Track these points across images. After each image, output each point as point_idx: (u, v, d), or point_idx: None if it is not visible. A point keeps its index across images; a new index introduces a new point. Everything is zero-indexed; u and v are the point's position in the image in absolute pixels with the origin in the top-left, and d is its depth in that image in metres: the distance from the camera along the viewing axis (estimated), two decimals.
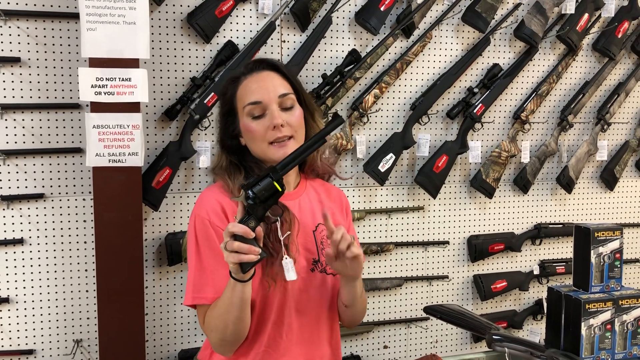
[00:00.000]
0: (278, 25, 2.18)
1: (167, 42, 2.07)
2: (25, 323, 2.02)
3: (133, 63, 1.83)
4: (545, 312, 1.42)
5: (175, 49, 2.08)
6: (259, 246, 1.13)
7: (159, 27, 2.06)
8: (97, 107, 1.82)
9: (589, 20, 2.56)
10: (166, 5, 2.05)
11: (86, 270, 2.05)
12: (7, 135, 1.94)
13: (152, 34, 2.05)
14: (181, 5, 2.07)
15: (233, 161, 1.37)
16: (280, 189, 1.16)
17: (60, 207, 2.02)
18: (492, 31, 2.44)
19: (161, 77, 2.08)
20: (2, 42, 1.91)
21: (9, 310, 2.00)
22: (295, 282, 1.32)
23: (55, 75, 1.97)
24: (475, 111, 2.44)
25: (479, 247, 2.56)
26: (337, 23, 2.26)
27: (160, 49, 2.07)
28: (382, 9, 2.23)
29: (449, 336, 2.58)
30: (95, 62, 1.81)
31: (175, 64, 2.09)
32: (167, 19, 2.06)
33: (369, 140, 2.37)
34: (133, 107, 1.85)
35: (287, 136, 1.32)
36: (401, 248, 2.47)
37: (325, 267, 1.38)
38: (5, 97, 1.93)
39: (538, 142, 2.64)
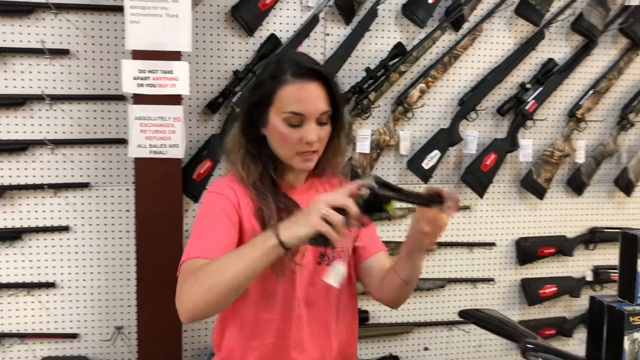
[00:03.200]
0: (322, 18, 2.15)
1: (211, 35, 2.08)
2: (70, 308, 2.08)
3: (175, 56, 1.84)
4: (587, 322, 1.34)
5: (218, 42, 2.09)
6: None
7: (203, 20, 2.07)
8: (139, 99, 1.85)
9: None
10: None
11: (128, 259, 2.09)
12: (55, 125, 2.00)
13: (197, 27, 2.06)
14: None
15: (250, 151, 1.33)
16: (388, 210, 1.11)
17: (105, 197, 2.07)
18: (548, 24, 2.32)
19: (204, 71, 2.09)
20: (52, 35, 1.96)
21: (54, 294, 2.07)
22: (303, 274, 1.32)
23: (102, 67, 2.01)
24: (527, 108, 2.33)
25: (527, 250, 2.46)
26: (382, 16, 2.21)
27: (204, 42, 2.08)
28: (430, 1, 2.16)
29: (492, 341, 2.50)
30: (138, 55, 1.83)
31: (219, 57, 2.09)
32: (211, 12, 2.07)
33: (413, 137, 2.31)
34: (174, 99, 1.86)
35: (314, 151, 1.30)
36: (445, 248, 2.40)
37: (332, 261, 1.36)
38: (54, 88, 1.98)
39: (595, 142, 2.50)
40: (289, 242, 1.08)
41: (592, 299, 1.29)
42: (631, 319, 1.20)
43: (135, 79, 1.84)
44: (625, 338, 1.20)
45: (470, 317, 1.49)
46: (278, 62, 1.29)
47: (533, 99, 2.34)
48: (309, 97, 1.26)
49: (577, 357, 1.21)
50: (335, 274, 1.16)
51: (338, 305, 1.41)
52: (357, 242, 1.46)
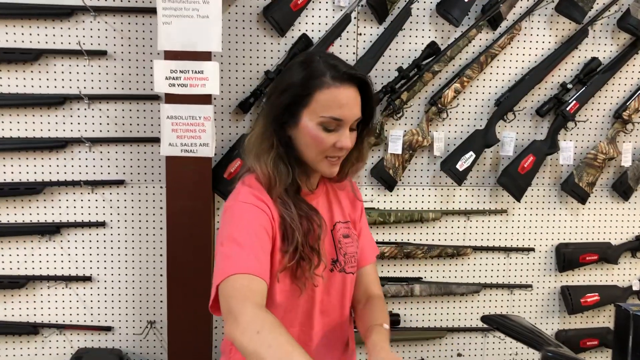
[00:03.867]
0: (354, 18, 2.14)
1: (243, 35, 2.10)
2: (105, 301, 2.15)
3: (206, 56, 1.87)
4: (614, 333, 1.27)
5: (250, 43, 2.11)
6: None
7: (235, 21, 2.09)
8: (170, 98, 1.88)
9: None
10: None
11: (161, 255, 2.14)
12: (93, 124, 2.07)
13: (229, 28, 2.09)
14: (257, 0, 2.10)
15: (281, 153, 1.26)
16: None
17: (139, 194, 2.12)
18: (591, 22, 2.23)
19: (236, 71, 2.11)
20: (91, 37, 2.03)
21: (91, 288, 2.13)
22: (320, 284, 1.29)
23: (137, 67, 2.07)
24: (568, 109, 2.24)
25: (568, 257, 2.36)
26: (416, 14, 2.17)
27: (237, 42, 2.10)
28: None
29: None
30: (169, 55, 1.86)
31: (251, 57, 2.11)
32: (243, 13, 2.09)
33: (447, 137, 2.26)
34: (205, 99, 1.89)
35: (340, 156, 1.28)
36: (480, 253, 2.34)
37: (345, 267, 1.34)
38: (92, 88, 2.05)
39: None
40: None
41: (618, 308, 1.23)
42: None
43: (167, 78, 1.87)
44: None
45: (493, 322, 1.45)
46: (311, 63, 1.24)
47: (574, 99, 2.25)
48: (348, 102, 1.22)
49: None
50: None
51: (349, 314, 1.40)
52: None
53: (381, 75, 2.18)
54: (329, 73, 1.22)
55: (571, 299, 2.36)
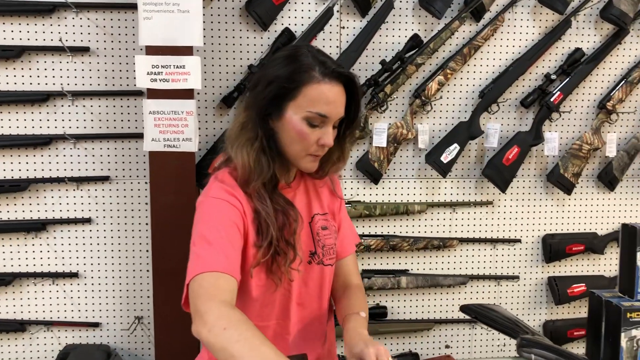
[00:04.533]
0: (337, 12, 2.14)
1: (226, 30, 2.10)
2: (92, 297, 2.15)
3: (187, 51, 1.87)
4: (587, 319, 1.28)
5: (233, 37, 2.11)
6: None
7: (218, 15, 2.09)
8: (152, 93, 1.88)
9: None
10: None
11: (147, 250, 2.14)
12: (77, 120, 2.07)
13: (211, 22, 2.09)
14: None
15: (264, 145, 1.23)
16: None
17: (124, 190, 2.12)
18: (574, 13, 2.23)
19: (219, 65, 2.12)
20: (74, 33, 2.03)
21: (78, 284, 2.14)
22: (296, 277, 1.29)
23: (120, 63, 2.07)
24: (552, 99, 2.25)
25: (554, 247, 2.37)
26: (399, 7, 2.18)
27: (220, 37, 2.10)
28: None
29: None
30: (151, 50, 1.86)
31: (234, 52, 2.12)
32: (225, 8, 2.09)
33: (432, 130, 2.26)
34: (187, 93, 1.89)
35: (322, 154, 1.28)
36: (466, 244, 2.34)
37: (323, 259, 1.34)
38: (76, 84, 2.05)
39: (627, 135, 2.39)
40: None
41: (592, 294, 1.23)
42: (629, 315, 1.14)
43: (148, 74, 1.87)
44: (623, 335, 1.14)
45: (471, 311, 1.45)
46: (300, 56, 1.22)
47: (559, 90, 2.25)
48: (335, 100, 1.22)
49: (572, 354, 1.16)
50: None
51: (329, 307, 1.40)
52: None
53: (365, 68, 2.18)
54: (318, 68, 1.20)
55: (558, 290, 2.37)
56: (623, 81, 2.31)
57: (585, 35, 2.30)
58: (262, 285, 1.26)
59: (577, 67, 2.26)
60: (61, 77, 2.04)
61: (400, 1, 2.18)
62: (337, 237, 1.40)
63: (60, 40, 2.00)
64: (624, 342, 1.14)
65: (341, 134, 1.31)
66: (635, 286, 1.18)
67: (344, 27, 2.16)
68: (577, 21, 2.28)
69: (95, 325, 2.16)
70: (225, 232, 1.17)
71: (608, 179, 2.37)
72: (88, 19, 2.03)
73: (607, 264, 2.44)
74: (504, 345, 2.42)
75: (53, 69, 2.03)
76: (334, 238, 1.38)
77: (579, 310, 2.45)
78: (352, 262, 1.47)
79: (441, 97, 2.24)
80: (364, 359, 1.11)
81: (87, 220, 2.11)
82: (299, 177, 1.38)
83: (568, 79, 2.26)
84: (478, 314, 1.42)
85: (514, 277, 2.39)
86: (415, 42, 2.14)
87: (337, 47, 2.16)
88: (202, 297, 1.08)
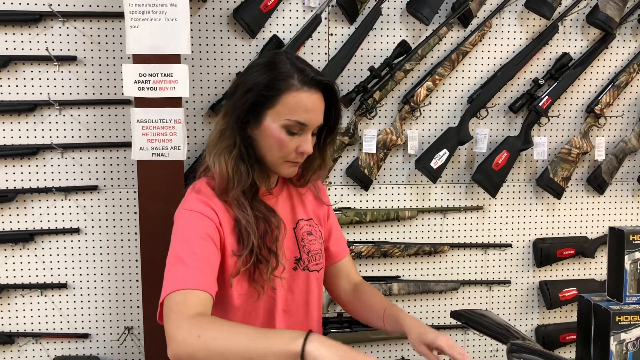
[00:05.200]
0: (325, 19, 2.14)
1: (214, 38, 2.10)
2: (82, 308, 2.13)
3: (174, 59, 1.86)
4: (577, 323, 1.28)
5: (221, 45, 2.11)
6: None
7: (205, 23, 2.09)
8: (140, 102, 1.87)
9: None
10: (212, 1, 2.08)
11: (137, 260, 2.13)
12: (65, 130, 2.06)
13: (199, 30, 2.09)
14: (227, 1, 2.09)
15: (242, 153, 1.23)
16: None
17: (113, 199, 2.11)
18: (561, 18, 2.24)
19: (208, 73, 2.11)
20: (60, 42, 2.02)
21: (67, 295, 2.12)
22: (281, 284, 1.28)
23: (107, 72, 2.06)
24: (540, 104, 2.26)
25: (545, 252, 2.37)
26: (387, 14, 2.18)
27: (207, 44, 2.10)
28: None
29: None
30: (138, 59, 1.85)
31: (222, 59, 2.11)
32: (213, 15, 2.09)
33: (422, 136, 2.26)
34: (175, 102, 1.88)
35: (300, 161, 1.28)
36: (457, 250, 2.34)
37: (308, 265, 1.34)
38: (63, 94, 2.04)
39: (616, 139, 2.40)
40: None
41: (581, 298, 1.23)
42: (617, 318, 1.14)
43: (136, 82, 1.86)
44: (612, 339, 1.14)
45: (462, 317, 1.45)
46: (278, 63, 1.22)
47: (547, 95, 2.26)
48: (314, 108, 1.22)
49: (561, 358, 1.16)
50: None
51: (318, 309, 1.39)
52: (327, 244, 1.44)
53: (353, 75, 2.18)
54: (297, 76, 1.20)
55: (550, 294, 2.37)
56: (610, 85, 2.32)
57: (572, 40, 2.32)
58: (244, 294, 1.25)
59: (565, 71, 2.27)
60: (48, 86, 2.03)
61: (388, 8, 2.18)
62: (323, 242, 1.40)
63: (46, 49, 1.99)
64: (613, 345, 1.14)
65: (322, 142, 1.31)
66: (624, 289, 1.18)
67: (332, 34, 2.17)
68: (564, 26, 2.29)
69: (85, 336, 2.14)
70: (198, 247, 1.17)
71: (597, 182, 2.37)
72: (75, 28, 2.02)
73: (598, 267, 2.45)
74: (497, 350, 2.42)
75: (40, 79, 2.02)
76: (319, 244, 1.38)
77: (571, 315, 2.45)
78: (349, 261, 1.50)
79: (430, 103, 2.24)
80: (438, 346, 1.19)
81: (76, 231, 2.10)
82: (281, 183, 1.37)
83: (556, 83, 2.27)
84: (468, 320, 1.41)
85: (506, 282, 2.38)
86: (403, 49, 2.14)
87: (326, 54, 2.16)
88: (171, 318, 1.09)
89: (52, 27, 2.01)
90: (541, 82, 2.26)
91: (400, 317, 1.29)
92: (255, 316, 1.29)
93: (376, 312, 1.36)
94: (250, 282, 1.24)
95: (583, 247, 2.39)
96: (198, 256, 1.16)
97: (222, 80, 2.12)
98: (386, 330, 1.35)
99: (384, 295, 1.43)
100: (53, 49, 2.00)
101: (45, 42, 2.00)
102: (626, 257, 1.17)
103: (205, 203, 1.22)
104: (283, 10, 2.12)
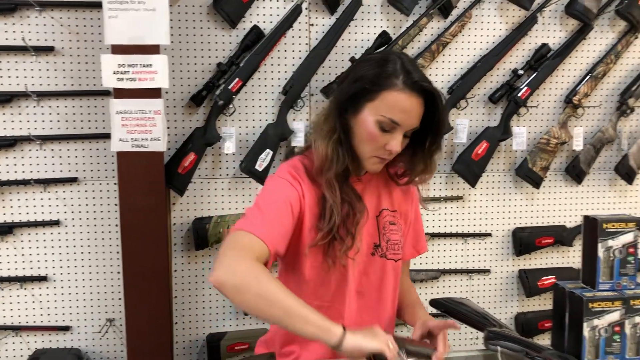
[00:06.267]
0: (306, 9, 2.14)
1: (194, 28, 2.09)
2: (62, 301, 2.12)
3: (154, 49, 1.85)
4: (552, 310, 1.30)
5: (201, 35, 2.10)
6: None
7: (185, 13, 2.07)
8: (119, 93, 1.86)
9: None
10: None
11: (117, 252, 2.12)
12: (43, 121, 2.04)
13: (179, 20, 2.07)
14: None
15: (341, 139, 1.29)
16: None
17: (93, 191, 2.10)
18: (540, 9, 2.26)
19: (188, 64, 2.10)
20: (37, 32, 1.99)
21: (47, 287, 2.10)
22: (356, 265, 1.34)
23: (87, 63, 2.04)
24: (520, 95, 2.28)
25: (524, 240, 2.40)
26: (367, 4, 2.18)
27: (187, 35, 2.09)
28: None
29: None
30: (117, 49, 1.84)
31: (202, 50, 2.10)
32: (193, 5, 2.08)
33: None
34: (154, 92, 1.87)
35: (388, 158, 1.31)
36: (438, 239, 2.36)
37: (386, 252, 1.38)
38: (41, 84, 2.02)
39: (593, 129, 2.43)
40: (346, 350, 1.10)
41: (556, 286, 1.26)
42: (590, 305, 1.16)
43: (115, 73, 1.85)
44: (585, 325, 1.16)
45: (441, 305, 1.47)
46: (388, 62, 1.27)
47: (526, 85, 2.28)
48: (410, 110, 1.25)
49: (536, 344, 1.18)
50: None
51: (393, 298, 1.43)
52: (405, 241, 1.49)
53: (334, 65, 2.18)
54: (402, 77, 1.24)
55: (528, 282, 2.40)
56: (588, 76, 2.35)
57: (551, 31, 2.34)
58: (318, 267, 1.32)
59: (544, 62, 2.29)
60: (25, 77, 2.00)
61: None
62: (403, 236, 1.44)
63: (23, 39, 1.97)
64: (586, 331, 1.16)
65: (426, 148, 1.34)
66: (597, 277, 1.20)
67: (312, 25, 2.16)
68: (543, 17, 2.31)
69: (66, 329, 2.13)
70: (276, 207, 1.25)
71: (575, 172, 2.41)
72: (52, 17, 2.00)
73: (576, 255, 2.48)
74: (477, 338, 2.45)
75: (17, 69, 1.99)
76: (399, 235, 1.42)
77: (550, 302, 2.45)
78: (407, 266, 1.58)
79: None
80: (432, 331, 1.26)
81: (56, 223, 2.08)
82: (369, 174, 1.40)
83: (535, 74, 2.29)
84: (447, 308, 1.44)
85: (485, 271, 2.41)
86: (384, 39, 2.15)
87: (307, 44, 2.16)
88: (235, 250, 1.17)
89: (28, 17, 1.98)
90: (520, 72, 2.29)
91: (416, 308, 1.43)
92: (325, 290, 1.34)
93: (405, 306, 1.47)
94: (325, 256, 1.30)
95: (561, 236, 2.43)
96: (275, 214, 1.24)
97: (203, 71, 2.11)
98: (405, 320, 1.46)
99: (417, 294, 1.53)
100: (30, 39, 1.98)
101: (22, 32, 1.98)
102: (599, 245, 1.19)
103: (294, 176, 1.31)
104: (263, 0, 2.11)
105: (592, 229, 1.20)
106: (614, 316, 1.17)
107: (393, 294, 1.44)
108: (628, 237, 1.20)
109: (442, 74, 2.29)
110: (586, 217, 1.23)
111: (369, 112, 1.26)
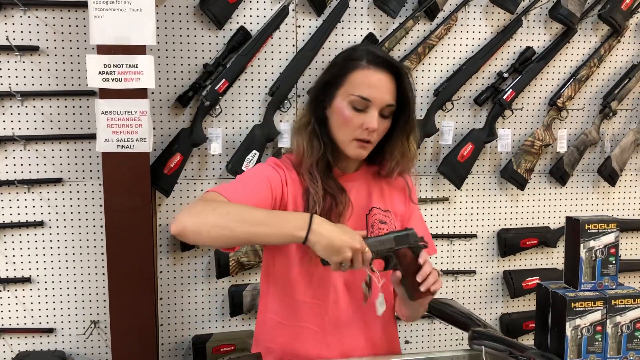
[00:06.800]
0: (293, 10, 2.14)
1: (180, 28, 2.08)
2: (46, 302, 2.10)
3: (140, 50, 1.84)
4: (535, 310, 1.31)
5: (188, 36, 2.09)
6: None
7: (172, 14, 2.07)
8: (105, 93, 1.85)
9: None
10: None
11: (102, 253, 2.10)
12: (27, 121, 2.02)
13: (165, 21, 2.07)
14: None
15: (316, 130, 1.34)
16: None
17: (78, 192, 2.08)
18: (525, 12, 2.29)
19: (174, 64, 2.09)
20: (22, 32, 1.98)
21: (30, 289, 2.09)
22: None
23: (72, 63, 2.03)
24: (504, 97, 2.30)
25: (509, 242, 2.43)
26: (354, 6, 2.19)
27: (174, 35, 2.08)
28: None
29: None
30: (102, 49, 1.83)
31: (189, 50, 2.10)
32: (179, 6, 2.07)
33: None
34: (140, 93, 1.86)
35: (370, 140, 1.31)
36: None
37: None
38: (25, 84, 2.00)
39: (577, 131, 2.46)
40: (315, 236, 1.12)
41: (539, 286, 1.27)
42: (573, 305, 1.18)
43: (100, 73, 1.84)
44: (568, 324, 1.17)
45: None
46: (354, 49, 1.34)
47: (511, 88, 2.30)
48: (378, 85, 1.28)
49: (520, 344, 1.19)
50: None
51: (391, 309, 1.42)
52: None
53: (321, 67, 2.19)
54: (365, 57, 1.30)
55: (513, 283, 2.42)
56: (572, 79, 2.37)
57: (535, 34, 2.36)
58: (300, 259, 1.33)
59: (528, 65, 2.32)
60: (9, 77, 1.98)
61: (355, 0, 2.19)
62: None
63: (7, 39, 1.95)
64: (569, 331, 1.18)
65: (401, 128, 1.36)
66: (579, 277, 1.22)
67: (299, 26, 2.17)
68: (528, 20, 2.34)
69: (50, 331, 2.11)
70: (255, 181, 1.30)
71: (559, 174, 2.43)
72: (37, 17, 1.98)
73: (560, 256, 2.51)
74: (462, 339, 2.46)
75: (0, 69, 1.97)
76: (390, 227, 1.40)
77: (534, 303, 2.50)
78: None
79: None
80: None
81: (40, 224, 2.06)
82: (364, 171, 1.42)
83: (520, 77, 2.32)
84: (433, 309, 1.44)
85: (471, 272, 2.43)
86: (370, 41, 2.16)
87: (293, 45, 2.17)
88: (196, 201, 1.21)
89: (12, 16, 1.96)
90: (505, 75, 2.31)
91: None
92: (307, 285, 1.34)
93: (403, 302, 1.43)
94: (307, 247, 1.28)
95: (546, 237, 2.45)
96: (252, 185, 1.28)
97: (189, 72, 2.10)
98: (402, 313, 1.43)
99: None
100: (14, 39, 1.96)
101: (6, 31, 1.96)
102: (582, 245, 1.21)
103: (278, 164, 1.36)
104: (250, 2, 2.12)
105: (575, 230, 1.22)
106: (596, 316, 1.18)
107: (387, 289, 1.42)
108: (609, 238, 1.22)
109: (428, 76, 2.30)
110: (569, 218, 1.24)
111: (341, 97, 1.30)
